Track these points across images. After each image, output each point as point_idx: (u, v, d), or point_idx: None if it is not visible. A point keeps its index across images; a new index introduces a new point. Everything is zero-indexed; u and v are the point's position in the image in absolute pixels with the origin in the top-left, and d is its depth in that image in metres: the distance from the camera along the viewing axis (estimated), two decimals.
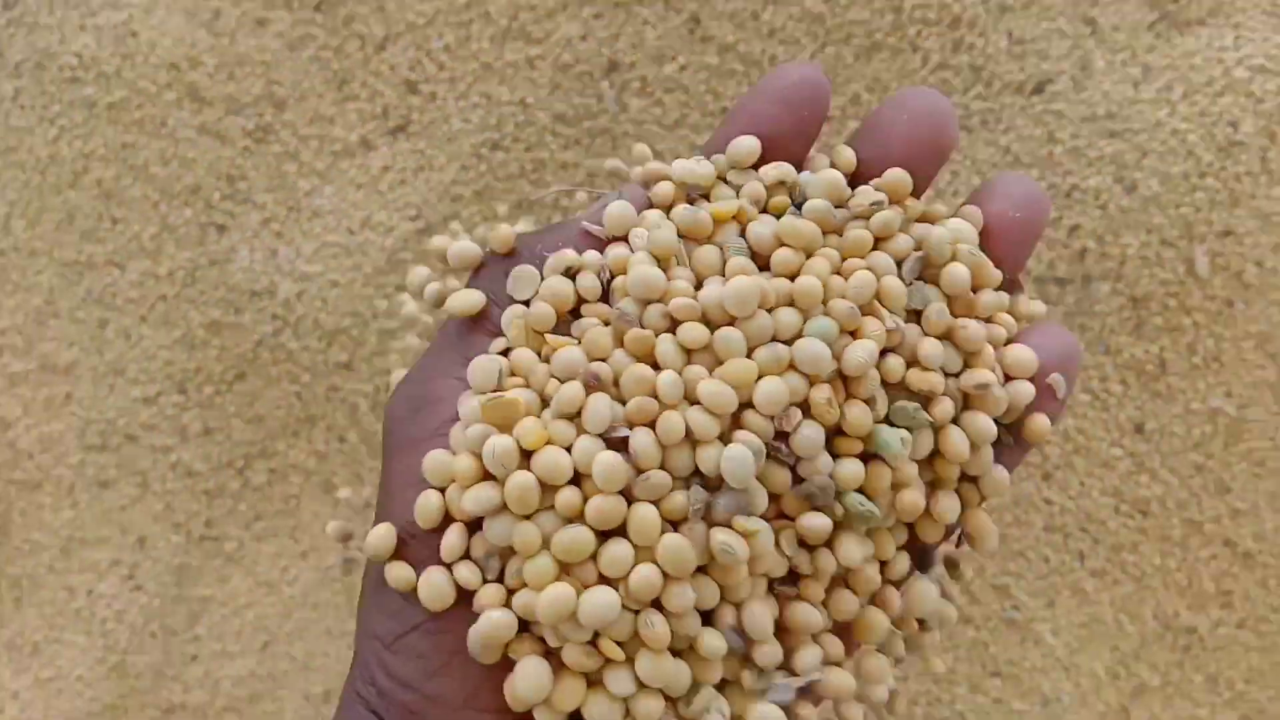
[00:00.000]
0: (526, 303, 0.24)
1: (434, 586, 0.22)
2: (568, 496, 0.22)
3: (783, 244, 0.23)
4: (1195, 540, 0.43)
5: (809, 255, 0.23)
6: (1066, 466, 0.44)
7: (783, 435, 0.23)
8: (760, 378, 0.22)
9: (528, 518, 0.22)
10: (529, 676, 0.22)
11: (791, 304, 0.23)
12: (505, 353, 0.24)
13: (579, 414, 0.22)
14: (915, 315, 0.24)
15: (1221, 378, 0.43)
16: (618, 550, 0.22)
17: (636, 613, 0.22)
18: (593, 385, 0.22)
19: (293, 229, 0.44)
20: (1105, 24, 0.42)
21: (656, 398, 0.22)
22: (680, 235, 0.24)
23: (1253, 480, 0.43)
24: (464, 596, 0.22)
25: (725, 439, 0.22)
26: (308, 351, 0.43)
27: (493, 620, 0.22)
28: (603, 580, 0.22)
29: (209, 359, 0.44)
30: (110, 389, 0.45)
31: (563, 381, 0.23)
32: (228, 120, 0.44)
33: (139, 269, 0.44)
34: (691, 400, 0.22)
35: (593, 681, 0.22)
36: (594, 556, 0.22)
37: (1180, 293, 0.42)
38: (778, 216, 0.24)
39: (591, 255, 0.24)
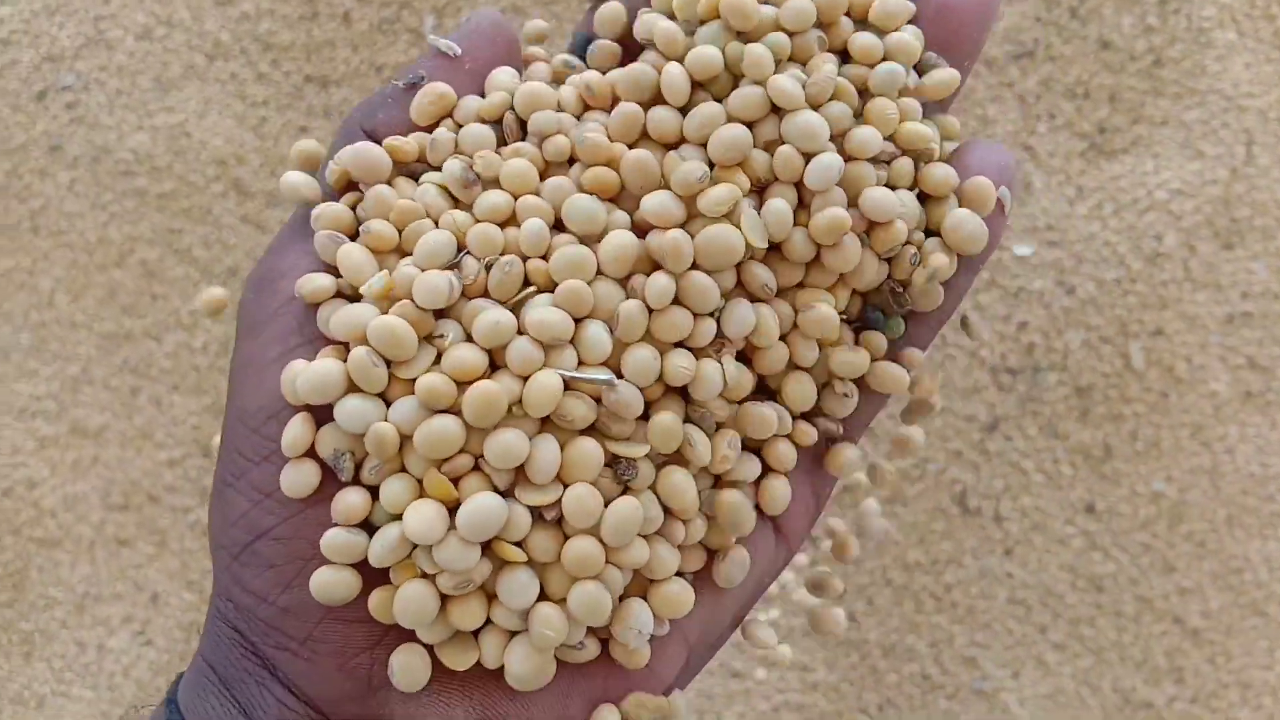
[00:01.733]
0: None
1: (294, 474, 0.19)
2: (429, 380, 0.17)
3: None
4: (1147, 616, 0.47)
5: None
6: (1025, 542, 0.47)
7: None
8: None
9: (387, 406, 0.18)
10: (412, 602, 0.18)
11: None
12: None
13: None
14: None
15: (1162, 463, 0.47)
16: (504, 441, 0.17)
17: (534, 509, 0.18)
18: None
19: None
20: (1042, 151, 0.49)
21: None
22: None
23: (1196, 560, 0.47)
24: (322, 490, 0.19)
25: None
26: None
27: (334, 574, 0.18)
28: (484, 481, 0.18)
29: None
30: (137, 452, 0.47)
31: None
32: (268, 212, 0.48)
33: (175, 341, 0.48)
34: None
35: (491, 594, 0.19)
36: (472, 454, 0.18)
37: (1120, 384, 0.47)
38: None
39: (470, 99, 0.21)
